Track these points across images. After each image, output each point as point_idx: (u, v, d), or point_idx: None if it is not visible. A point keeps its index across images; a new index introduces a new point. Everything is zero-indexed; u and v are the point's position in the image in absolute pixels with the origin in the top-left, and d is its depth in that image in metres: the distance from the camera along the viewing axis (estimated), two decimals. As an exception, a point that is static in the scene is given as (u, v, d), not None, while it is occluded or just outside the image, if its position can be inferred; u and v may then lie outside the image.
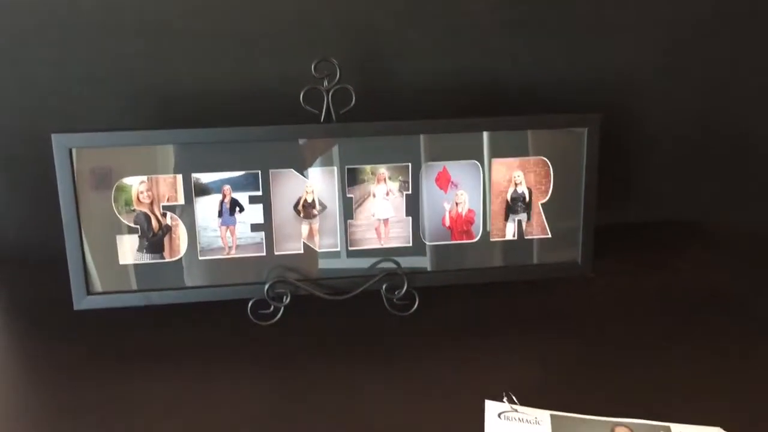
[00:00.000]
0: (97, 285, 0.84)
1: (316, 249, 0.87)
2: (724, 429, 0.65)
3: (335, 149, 0.85)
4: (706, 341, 0.83)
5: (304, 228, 0.87)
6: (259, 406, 0.72)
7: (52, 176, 0.80)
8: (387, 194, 0.87)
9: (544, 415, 0.67)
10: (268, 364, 0.79)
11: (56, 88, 0.96)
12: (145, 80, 0.96)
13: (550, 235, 0.91)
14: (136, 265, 0.84)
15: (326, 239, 0.87)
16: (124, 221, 0.83)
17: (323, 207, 0.87)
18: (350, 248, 0.88)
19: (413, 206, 0.88)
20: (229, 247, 0.86)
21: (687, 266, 1.02)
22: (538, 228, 0.91)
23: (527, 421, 0.67)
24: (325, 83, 0.84)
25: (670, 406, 0.69)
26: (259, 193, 0.85)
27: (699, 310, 0.90)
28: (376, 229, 0.88)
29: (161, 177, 0.83)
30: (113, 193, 0.82)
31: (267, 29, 0.96)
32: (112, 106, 0.97)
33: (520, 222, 0.90)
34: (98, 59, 0.95)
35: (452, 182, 0.88)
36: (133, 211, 0.83)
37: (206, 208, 0.84)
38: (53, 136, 0.79)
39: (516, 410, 0.68)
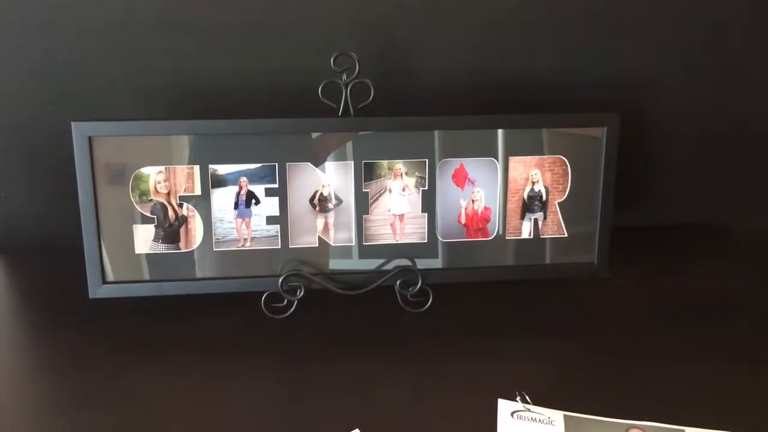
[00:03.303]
0: (113, 274, 0.84)
1: (331, 243, 0.87)
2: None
3: (352, 143, 0.85)
4: (722, 346, 0.82)
5: (320, 222, 0.87)
6: (271, 399, 0.72)
7: (69, 169, 0.81)
8: (403, 190, 0.87)
9: (557, 416, 0.67)
10: (280, 358, 0.80)
11: (75, 82, 0.96)
12: (164, 74, 0.97)
13: (566, 235, 0.90)
14: (151, 255, 0.85)
15: (341, 233, 0.87)
16: (140, 211, 0.83)
17: (339, 201, 0.86)
18: (365, 243, 0.88)
19: (429, 202, 0.88)
20: (244, 239, 0.86)
21: (705, 270, 1.01)
22: (554, 227, 0.90)
23: (540, 420, 0.66)
24: (344, 77, 0.84)
25: (684, 409, 0.69)
26: (276, 185, 0.85)
27: (716, 315, 0.89)
28: (391, 225, 0.88)
29: (179, 168, 0.83)
30: (131, 182, 0.82)
31: (286, 23, 0.96)
32: (131, 100, 0.97)
33: (536, 221, 0.90)
34: (117, 53, 0.95)
35: (469, 179, 0.88)
36: (150, 201, 0.83)
37: (222, 199, 0.84)
38: (73, 125, 0.80)
39: (529, 410, 0.68)
